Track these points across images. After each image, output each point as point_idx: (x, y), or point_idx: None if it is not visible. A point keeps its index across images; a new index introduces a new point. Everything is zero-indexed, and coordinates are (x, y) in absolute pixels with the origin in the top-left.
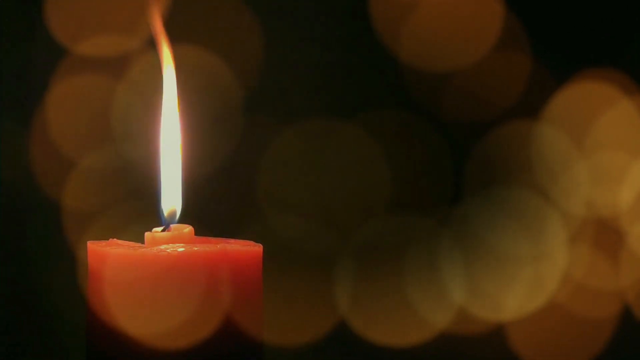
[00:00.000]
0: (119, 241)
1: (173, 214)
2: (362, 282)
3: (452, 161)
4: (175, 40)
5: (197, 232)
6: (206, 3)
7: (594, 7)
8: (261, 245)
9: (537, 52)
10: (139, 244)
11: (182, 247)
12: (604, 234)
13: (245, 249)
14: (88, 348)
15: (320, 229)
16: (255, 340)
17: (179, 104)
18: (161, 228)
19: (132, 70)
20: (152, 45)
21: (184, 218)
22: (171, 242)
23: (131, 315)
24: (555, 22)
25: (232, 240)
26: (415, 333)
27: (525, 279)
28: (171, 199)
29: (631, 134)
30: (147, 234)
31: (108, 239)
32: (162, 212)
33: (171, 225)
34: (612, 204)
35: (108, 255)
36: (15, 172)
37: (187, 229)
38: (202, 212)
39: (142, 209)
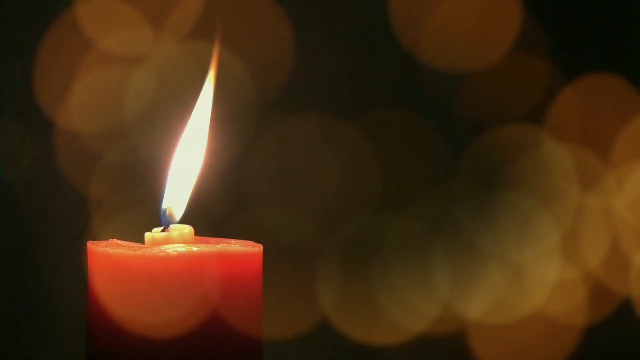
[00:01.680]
0: (119, 241)
1: (173, 214)
2: (350, 281)
3: (451, 162)
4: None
5: (197, 232)
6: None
7: (608, 13)
8: (261, 246)
9: (553, 55)
10: (139, 244)
11: (182, 247)
12: (600, 238)
13: (245, 250)
14: (88, 348)
15: (315, 228)
16: (254, 340)
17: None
18: (161, 228)
19: (159, 65)
20: (176, 41)
21: (184, 218)
22: (171, 242)
23: (131, 316)
24: (574, 26)
25: (233, 241)
26: (402, 333)
27: (515, 282)
28: (173, 200)
29: (635, 140)
30: (147, 234)
31: (108, 239)
32: (163, 212)
33: (171, 226)
34: (610, 209)
35: (108, 256)
36: (16, 171)
37: (187, 229)
38: (202, 212)
39: (144, 208)
